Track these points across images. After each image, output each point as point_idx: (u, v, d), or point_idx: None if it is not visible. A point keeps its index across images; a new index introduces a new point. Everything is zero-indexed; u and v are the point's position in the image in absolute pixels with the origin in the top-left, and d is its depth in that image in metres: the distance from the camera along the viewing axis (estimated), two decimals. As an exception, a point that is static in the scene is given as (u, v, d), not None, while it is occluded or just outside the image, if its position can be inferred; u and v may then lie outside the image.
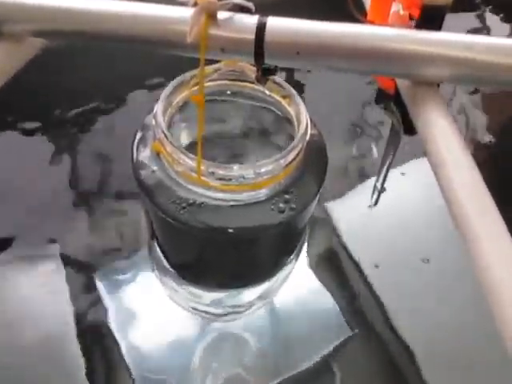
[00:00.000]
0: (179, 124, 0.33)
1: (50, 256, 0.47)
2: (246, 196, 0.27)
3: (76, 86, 0.60)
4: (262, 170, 0.26)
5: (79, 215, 0.51)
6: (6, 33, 0.26)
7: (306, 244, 0.46)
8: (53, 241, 0.48)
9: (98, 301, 0.45)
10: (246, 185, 0.27)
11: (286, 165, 0.27)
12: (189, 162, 0.26)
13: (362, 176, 0.56)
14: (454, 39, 0.24)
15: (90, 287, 0.46)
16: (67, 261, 0.47)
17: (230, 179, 0.26)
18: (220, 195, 0.27)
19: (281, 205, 0.28)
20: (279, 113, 0.32)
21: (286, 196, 0.28)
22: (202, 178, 0.26)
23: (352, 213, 0.53)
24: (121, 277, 0.47)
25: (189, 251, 0.32)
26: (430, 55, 0.24)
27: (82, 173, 0.54)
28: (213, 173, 0.26)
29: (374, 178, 0.44)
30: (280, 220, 0.28)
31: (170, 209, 0.28)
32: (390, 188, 0.48)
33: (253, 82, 0.31)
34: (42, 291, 0.46)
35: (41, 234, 0.49)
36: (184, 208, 0.27)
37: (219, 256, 0.32)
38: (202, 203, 0.27)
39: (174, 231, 0.30)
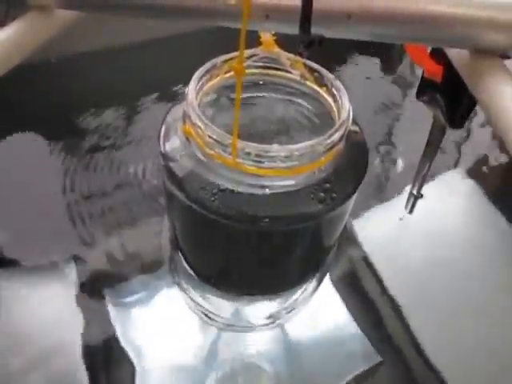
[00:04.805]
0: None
1: (63, 271, 0.45)
2: (283, 183, 0.25)
3: (89, 93, 0.59)
4: (302, 151, 0.24)
5: (92, 230, 0.48)
6: (32, 4, 0.25)
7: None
8: (66, 256, 0.46)
9: (107, 320, 0.42)
10: (283, 170, 0.24)
11: (327, 149, 0.25)
12: (223, 141, 0.24)
13: (386, 190, 0.54)
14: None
15: (101, 306, 0.43)
16: (79, 277, 0.45)
17: (267, 161, 0.24)
18: (255, 181, 0.25)
19: (321, 194, 0.25)
20: (316, 106, 0.30)
21: (327, 185, 0.26)
22: (237, 160, 0.24)
23: (378, 229, 0.51)
24: (132, 297, 0.45)
25: (217, 248, 0.30)
26: (492, 20, 0.21)
27: (98, 185, 0.52)
28: (249, 153, 0.24)
29: (401, 193, 0.41)
30: (319, 210, 0.25)
31: (200, 196, 0.25)
32: (421, 202, 0.46)
33: (288, 71, 0.30)
34: (52, 306, 0.43)
35: (53, 248, 0.46)
36: (215, 194, 0.25)
37: (249, 254, 0.29)
38: (235, 190, 0.25)
39: (202, 224, 0.27)
